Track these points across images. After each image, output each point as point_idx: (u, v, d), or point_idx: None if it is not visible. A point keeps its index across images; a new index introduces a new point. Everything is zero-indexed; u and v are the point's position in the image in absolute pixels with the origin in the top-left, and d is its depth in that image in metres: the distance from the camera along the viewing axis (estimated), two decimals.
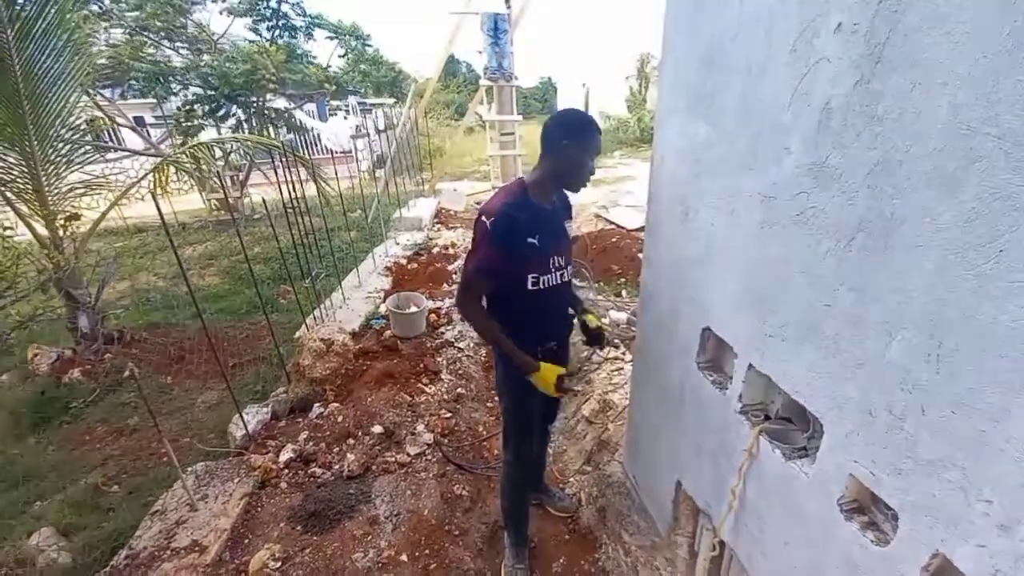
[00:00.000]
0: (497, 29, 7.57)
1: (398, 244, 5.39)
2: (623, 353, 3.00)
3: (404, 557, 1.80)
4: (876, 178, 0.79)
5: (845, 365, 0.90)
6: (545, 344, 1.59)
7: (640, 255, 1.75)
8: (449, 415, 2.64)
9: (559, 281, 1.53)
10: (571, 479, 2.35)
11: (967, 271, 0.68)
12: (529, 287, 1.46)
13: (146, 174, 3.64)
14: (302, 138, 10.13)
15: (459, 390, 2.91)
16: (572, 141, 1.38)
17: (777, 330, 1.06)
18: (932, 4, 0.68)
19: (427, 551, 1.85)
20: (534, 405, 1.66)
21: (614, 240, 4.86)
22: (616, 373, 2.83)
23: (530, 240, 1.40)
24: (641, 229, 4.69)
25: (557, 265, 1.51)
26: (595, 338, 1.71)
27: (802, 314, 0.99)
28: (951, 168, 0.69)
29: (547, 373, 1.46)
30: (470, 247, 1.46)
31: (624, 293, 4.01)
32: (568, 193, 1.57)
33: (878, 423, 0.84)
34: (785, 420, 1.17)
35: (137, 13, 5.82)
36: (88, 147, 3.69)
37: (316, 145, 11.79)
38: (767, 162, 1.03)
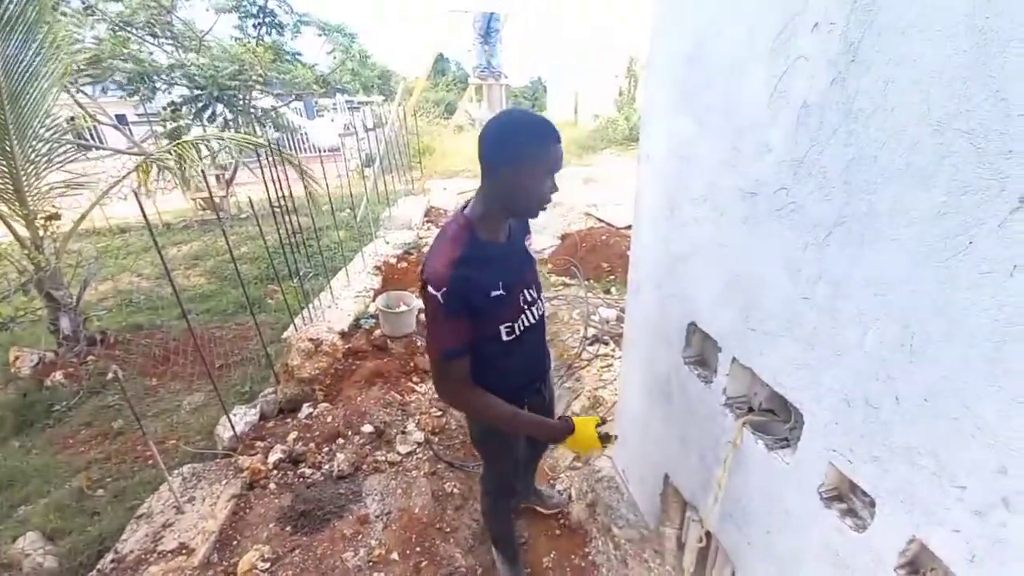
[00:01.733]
0: (489, 28, 7.56)
1: (388, 243, 5.37)
2: (613, 350, 3.02)
3: (395, 555, 1.80)
4: (852, 174, 0.81)
5: (823, 356, 0.92)
6: (531, 388, 1.46)
7: (629, 252, 1.76)
8: (440, 413, 2.64)
9: (535, 319, 1.31)
10: (562, 475, 2.36)
11: (938, 263, 0.70)
12: (504, 339, 1.23)
13: (128, 173, 3.58)
14: (290, 137, 10.04)
15: None
16: (513, 163, 1.04)
17: (759, 324, 1.08)
18: (906, 3, 0.70)
19: (418, 549, 1.85)
20: (518, 454, 1.56)
21: (604, 238, 4.88)
22: (605, 370, 2.85)
23: (495, 294, 1.15)
24: (629, 227, 4.71)
25: (528, 300, 1.27)
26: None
27: (782, 308, 1.01)
28: (923, 163, 0.71)
29: (584, 429, 1.22)
30: (426, 322, 1.19)
31: (613, 290, 4.04)
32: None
33: (855, 412, 0.87)
34: (768, 412, 1.19)
35: (121, 8, 5.71)
36: (69, 146, 3.62)
37: (304, 144, 11.69)
38: (749, 159, 1.05)
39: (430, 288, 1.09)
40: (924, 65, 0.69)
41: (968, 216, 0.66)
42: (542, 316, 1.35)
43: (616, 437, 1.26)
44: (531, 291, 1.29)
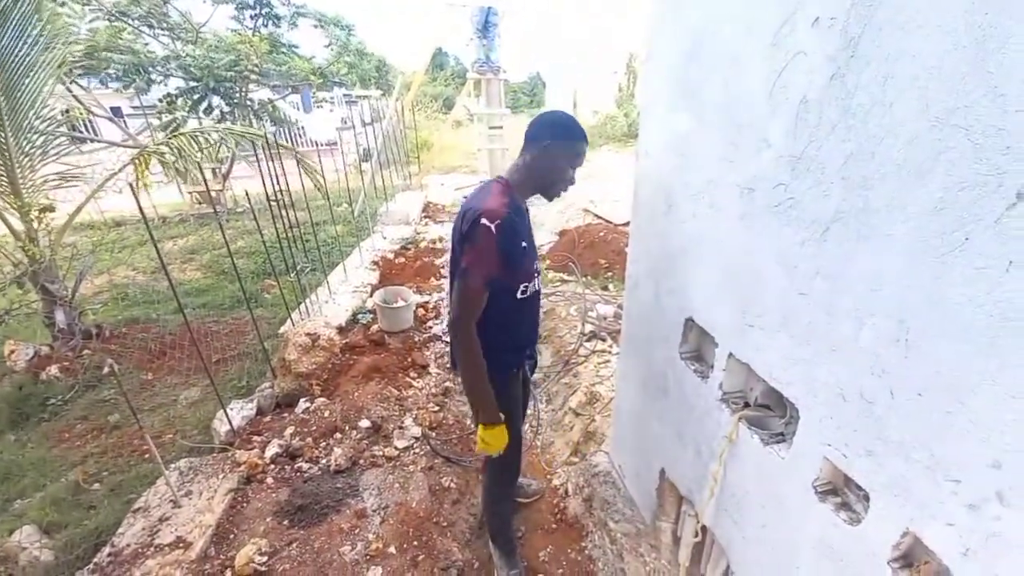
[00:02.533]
0: (487, 23, 7.50)
1: (385, 238, 5.36)
2: (610, 346, 3.03)
3: (392, 549, 1.81)
4: (850, 170, 0.82)
5: (819, 352, 0.92)
6: (524, 354, 1.59)
7: (627, 249, 1.76)
8: (437, 409, 2.65)
9: (538, 287, 1.48)
10: (558, 470, 2.37)
11: (934, 259, 0.71)
12: (518, 296, 1.38)
13: (124, 166, 3.55)
14: (286, 130, 9.97)
15: (447, 384, 2.91)
16: (557, 143, 1.31)
17: (756, 319, 1.08)
18: None
19: (415, 543, 1.85)
20: (518, 418, 1.65)
21: (602, 234, 4.88)
22: (603, 366, 2.86)
23: (524, 244, 1.33)
24: (627, 223, 4.71)
25: (537, 270, 1.46)
26: None
27: (779, 303, 1.01)
28: (920, 159, 0.71)
29: (500, 436, 1.41)
30: (466, 254, 1.26)
31: (611, 287, 4.04)
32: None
33: (850, 407, 0.87)
34: (764, 407, 1.20)
35: None
36: (63, 138, 3.59)
37: (301, 137, 11.63)
38: (747, 154, 1.05)
39: (484, 220, 1.21)
40: (923, 61, 0.69)
41: (965, 212, 0.66)
42: (539, 290, 1.52)
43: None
44: (538, 262, 1.47)
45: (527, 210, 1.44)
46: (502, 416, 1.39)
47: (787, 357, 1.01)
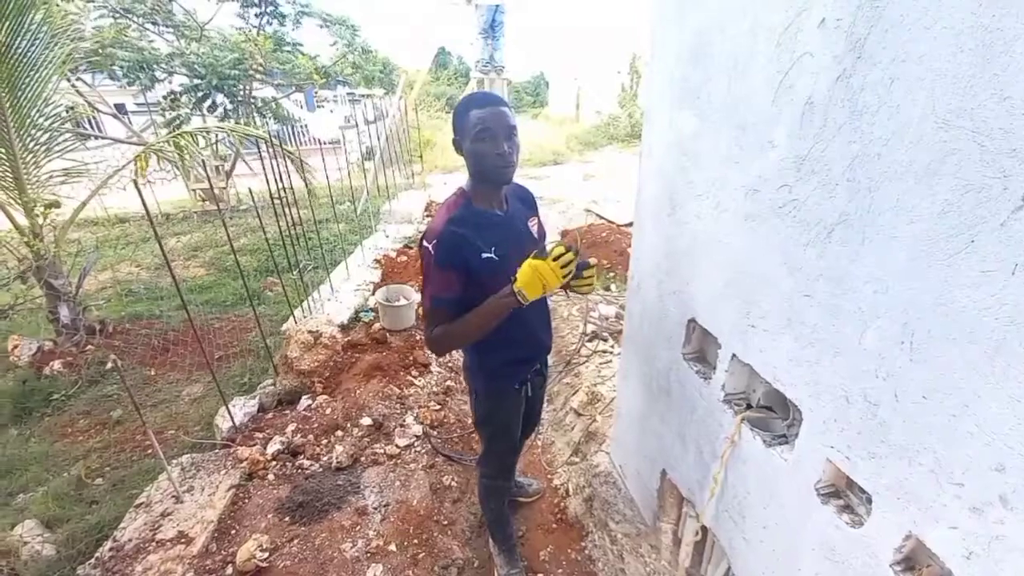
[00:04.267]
0: (493, 21, 7.49)
1: (388, 237, 5.36)
2: (612, 346, 3.03)
3: (393, 547, 1.81)
4: (855, 171, 0.81)
5: (823, 354, 0.92)
6: (530, 368, 1.50)
7: (629, 249, 1.76)
8: (438, 407, 2.65)
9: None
10: (559, 470, 2.37)
11: (940, 261, 0.70)
12: None
13: (128, 163, 3.57)
14: (290, 129, 9.98)
15: (448, 383, 2.91)
16: (459, 130, 1.21)
17: (759, 320, 1.08)
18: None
19: (416, 541, 1.86)
20: (515, 428, 1.61)
21: (604, 235, 4.88)
22: (604, 366, 2.86)
23: (485, 256, 1.22)
24: (630, 224, 4.70)
25: None
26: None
27: (783, 305, 1.01)
28: (926, 161, 0.71)
29: (532, 273, 1.10)
30: (421, 279, 1.27)
31: (613, 287, 4.04)
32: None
33: (853, 409, 0.87)
34: (766, 408, 1.20)
35: None
36: (68, 134, 3.61)
37: (304, 136, 11.65)
38: (752, 155, 1.05)
39: (424, 242, 1.22)
40: (930, 62, 0.69)
41: (970, 214, 0.66)
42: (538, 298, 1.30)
43: (571, 250, 1.10)
44: None
45: (511, 211, 1.34)
46: (514, 280, 1.14)
47: (791, 359, 1.01)
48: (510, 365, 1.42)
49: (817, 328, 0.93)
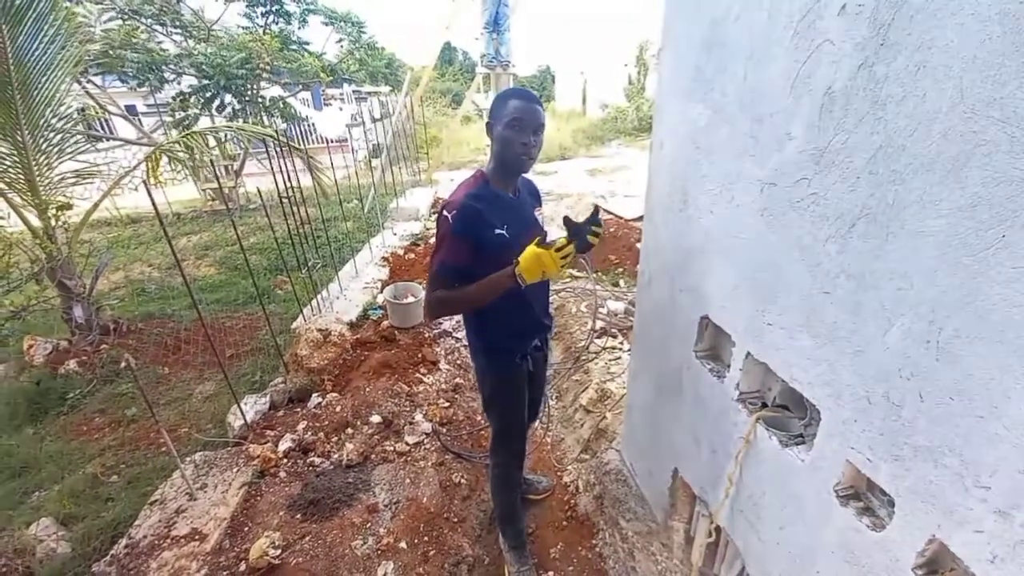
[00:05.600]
0: (499, 16, 7.45)
1: (395, 234, 5.37)
2: (621, 343, 3.01)
3: (403, 544, 1.81)
4: (878, 164, 0.78)
5: (843, 352, 0.89)
6: (529, 343, 1.58)
7: (638, 245, 1.74)
8: (447, 404, 2.65)
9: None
10: (569, 467, 2.36)
11: (968, 257, 0.68)
12: None
13: (139, 163, 3.59)
14: (297, 127, 10.02)
15: (457, 380, 2.91)
16: (495, 117, 1.32)
17: (776, 318, 1.06)
18: None
19: (426, 538, 1.86)
20: (521, 406, 1.65)
21: (612, 230, 4.84)
22: (614, 362, 2.84)
23: (498, 232, 1.32)
24: (639, 219, 4.66)
25: None
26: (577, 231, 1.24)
27: (801, 302, 0.98)
28: (954, 153, 0.68)
29: (534, 259, 1.18)
30: (434, 245, 1.36)
31: (622, 283, 4.01)
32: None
33: (875, 410, 0.84)
34: (782, 408, 1.17)
35: None
36: (80, 136, 3.64)
37: (311, 134, 11.69)
38: (768, 148, 1.02)
39: (444, 211, 1.30)
40: (956, 50, 0.66)
41: (1002, 208, 0.63)
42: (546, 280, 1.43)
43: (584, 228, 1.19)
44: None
45: (521, 197, 1.47)
46: (517, 262, 1.21)
47: (809, 357, 0.98)
48: (509, 339, 1.51)
49: (837, 326, 0.90)
